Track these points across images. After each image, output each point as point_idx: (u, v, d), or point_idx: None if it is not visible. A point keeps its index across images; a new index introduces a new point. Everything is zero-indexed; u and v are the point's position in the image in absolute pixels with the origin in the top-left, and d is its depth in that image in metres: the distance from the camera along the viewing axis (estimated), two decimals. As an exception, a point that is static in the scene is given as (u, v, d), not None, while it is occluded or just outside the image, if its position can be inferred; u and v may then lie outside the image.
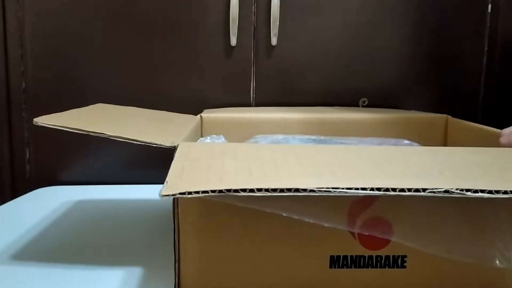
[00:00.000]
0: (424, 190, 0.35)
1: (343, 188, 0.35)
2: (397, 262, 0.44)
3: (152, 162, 0.80)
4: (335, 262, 0.44)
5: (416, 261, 0.44)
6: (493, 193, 0.35)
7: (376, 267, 0.44)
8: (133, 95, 0.90)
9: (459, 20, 0.90)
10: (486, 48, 0.91)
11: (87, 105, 0.90)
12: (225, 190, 0.34)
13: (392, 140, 0.69)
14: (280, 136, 0.69)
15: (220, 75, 0.90)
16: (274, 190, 0.34)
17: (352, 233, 0.44)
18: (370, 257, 0.44)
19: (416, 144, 0.67)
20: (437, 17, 0.90)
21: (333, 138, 0.68)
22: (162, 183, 0.36)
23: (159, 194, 0.34)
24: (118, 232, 0.66)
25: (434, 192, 0.35)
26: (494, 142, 0.58)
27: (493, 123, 0.66)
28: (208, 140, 0.61)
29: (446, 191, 0.35)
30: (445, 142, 0.78)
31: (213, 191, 0.34)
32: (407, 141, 0.68)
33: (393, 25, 0.90)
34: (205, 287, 0.44)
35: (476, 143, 0.63)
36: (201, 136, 0.72)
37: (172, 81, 0.90)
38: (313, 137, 0.68)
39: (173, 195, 0.34)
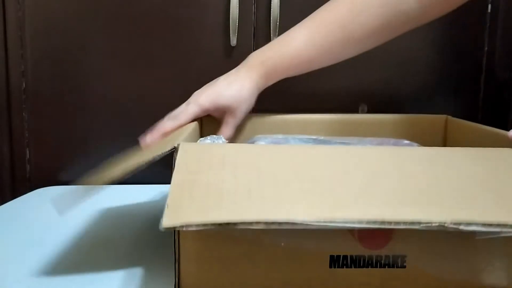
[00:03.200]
0: (419, 223, 0.36)
1: (339, 222, 0.35)
2: (397, 262, 0.44)
3: (152, 162, 0.80)
4: (335, 261, 0.44)
5: (416, 261, 0.44)
6: (486, 226, 0.36)
7: (376, 266, 0.44)
8: (133, 95, 0.90)
9: (459, 20, 0.90)
10: (486, 48, 0.91)
11: (87, 105, 0.90)
12: (224, 223, 0.35)
13: (392, 140, 0.69)
14: (280, 136, 0.69)
15: (220, 75, 0.90)
16: (272, 223, 0.35)
17: (352, 233, 0.44)
18: (370, 257, 0.44)
19: (416, 144, 0.67)
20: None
21: (333, 138, 0.68)
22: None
23: (160, 226, 0.35)
24: (118, 232, 0.66)
25: (429, 225, 0.36)
26: (494, 142, 0.58)
27: (493, 123, 0.66)
28: (208, 141, 0.60)
29: (440, 225, 0.36)
30: (445, 142, 0.78)
31: (212, 224, 0.35)
32: (406, 141, 0.68)
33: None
34: (205, 287, 0.44)
35: (476, 143, 0.64)
36: (201, 136, 0.72)
37: (172, 81, 0.90)
38: (313, 137, 0.68)
39: (173, 227, 0.35)
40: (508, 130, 0.60)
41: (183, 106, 0.68)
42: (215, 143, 0.59)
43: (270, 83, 0.71)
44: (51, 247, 0.61)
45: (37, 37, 0.88)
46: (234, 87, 0.68)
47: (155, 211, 0.75)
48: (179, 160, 0.44)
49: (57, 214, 0.69)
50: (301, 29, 0.71)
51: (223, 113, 0.69)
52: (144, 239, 0.64)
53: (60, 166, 0.92)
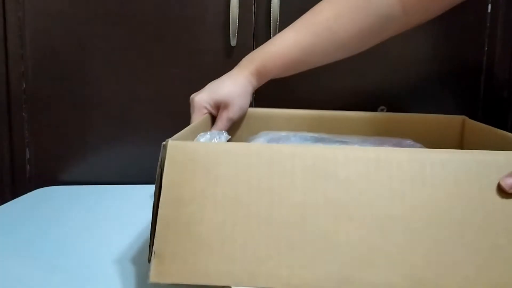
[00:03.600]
0: None
1: None
2: None
3: (153, 162, 0.80)
4: None
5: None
6: None
7: None
8: (133, 95, 0.90)
9: (459, 20, 0.90)
10: (486, 48, 0.91)
11: (87, 105, 0.90)
12: None
13: (394, 140, 0.68)
14: (283, 133, 0.69)
15: (220, 75, 0.89)
16: None
17: None
18: None
19: (419, 145, 0.66)
20: (436, 17, 0.90)
21: (334, 137, 0.67)
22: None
23: (148, 279, 0.42)
24: (118, 232, 0.66)
25: None
26: (509, 146, 0.56)
27: (493, 123, 0.66)
28: (208, 136, 0.60)
29: None
30: (461, 144, 0.75)
31: None
32: (410, 142, 0.67)
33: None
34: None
35: (492, 146, 0.61)
36: (212, 125, 0.71)
37: (171, 81, 0.90)
38: (315, 135, 0.68)
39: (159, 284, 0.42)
40: (508, 130, 0.60)
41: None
42: (206, 143, 0.58)
43: (262, 81, 0.73)
44: (51, 247, 0.61)
45: (37, 37, 0.88)
46: (227, 83, 0.71)
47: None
48: (165, 181, 0.45)
49: (57, 214, 0.69)
50: (289, 31, 0.73)
51: (219, 109, 0.70)
52: (143, 238, 0.64)
53: (60, 166, 0.92)
